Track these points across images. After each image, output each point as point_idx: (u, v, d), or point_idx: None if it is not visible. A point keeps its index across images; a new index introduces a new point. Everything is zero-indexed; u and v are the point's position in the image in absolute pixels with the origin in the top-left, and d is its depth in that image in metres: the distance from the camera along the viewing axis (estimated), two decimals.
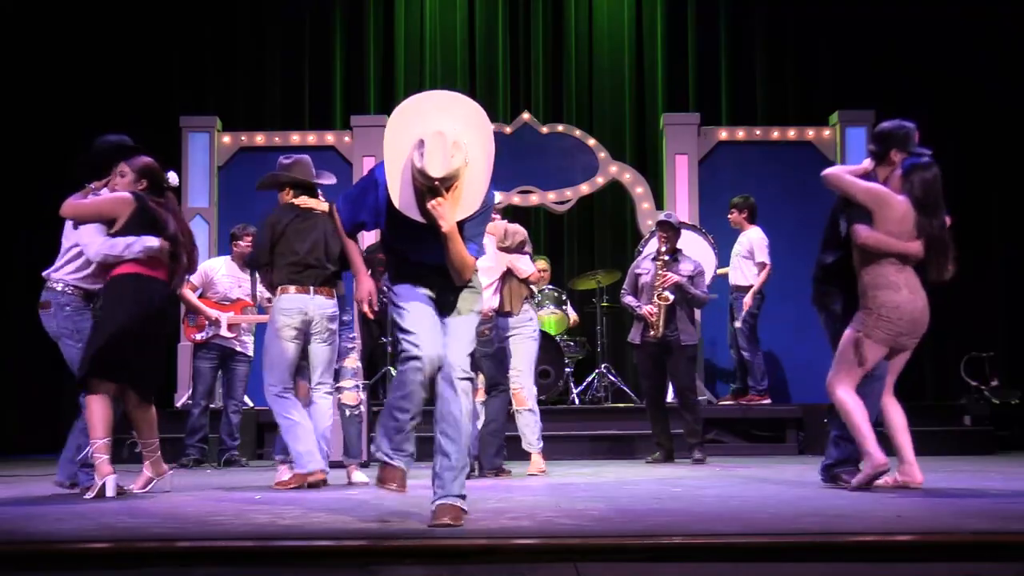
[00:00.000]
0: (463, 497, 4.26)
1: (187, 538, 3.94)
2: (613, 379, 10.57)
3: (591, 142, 11.47)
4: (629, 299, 8.63)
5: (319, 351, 6.45)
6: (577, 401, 10.45)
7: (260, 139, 11.29)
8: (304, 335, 6.38)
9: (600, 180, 11.41)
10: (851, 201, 5.72)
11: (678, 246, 8.63)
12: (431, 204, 4.23)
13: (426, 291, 4.45)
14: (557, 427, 9.72)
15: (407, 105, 4.44)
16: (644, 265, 8.66)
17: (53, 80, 11.56)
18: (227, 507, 5.08)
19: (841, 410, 5.76)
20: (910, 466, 5.75)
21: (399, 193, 4.32)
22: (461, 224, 4.32)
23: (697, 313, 8.84)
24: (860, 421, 5.68)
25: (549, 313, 10.47)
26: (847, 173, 5.79)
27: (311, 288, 6.39)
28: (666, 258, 8.47)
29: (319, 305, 6.39)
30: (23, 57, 11.55)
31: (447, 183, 4.22)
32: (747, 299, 9.81)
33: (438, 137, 4.21)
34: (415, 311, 4.39)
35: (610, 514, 4.60)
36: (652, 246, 10.53)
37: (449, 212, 4.23)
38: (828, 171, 5.88)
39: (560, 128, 11.56)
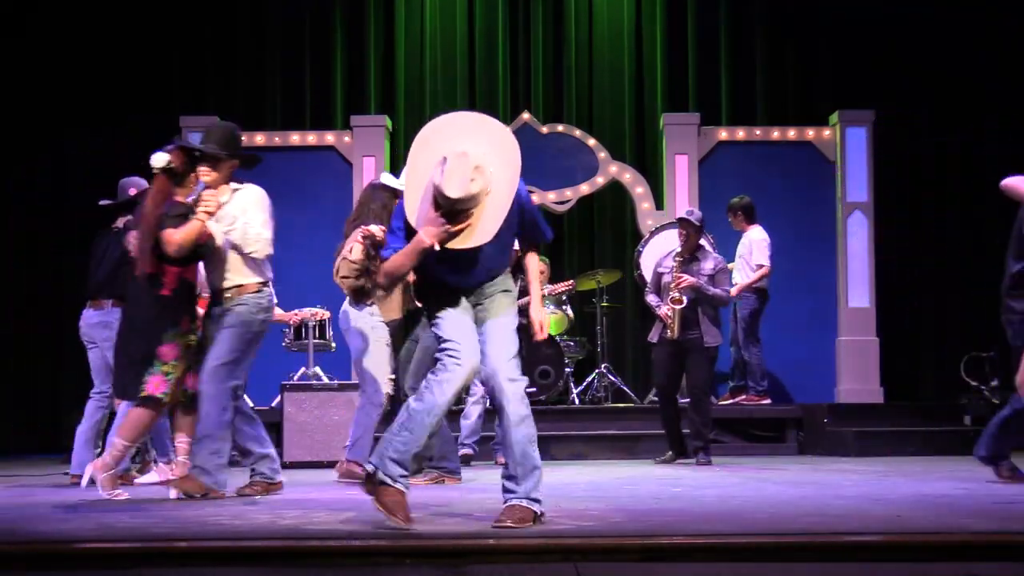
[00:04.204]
0: (535, 500, 4.21)
1: (187, 538, 3.94)
2: (613, 379, 10.56)
3: (591, 142, 11.46)
4: (651, 298, 8.48)
5: None
6: (577, 401, 10.44)
7: (260, 139, 11.27)
8: None
9: (600, 180, 11.41)
10: None
11: (701, 242, 8.44)
12: (441, 227, 4.15)
13: (459, 305, 4.40)
14: (557, 427, 9.72)
15: (438, 122, 4.36)
16: (666, 263, 8.44)
17: (53, 80, 11.55)
18: (227, 507, 5.08)
19: None
20: None
21: (416, 210, 4.23)
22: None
23: (721, 312, 8.65)
24: None
25: (549, 313, 10.45)
26: None
27: None
28: (680, 259, 8.28)
29: None
30: (23, 57, 11.54)
31: (464, 205, 4.13)
32: (732, 290, 9.62)
33: (461, 158, 4.11)
34: (452, 320, 4.35)
35: (610, 514, 4.60)
36: (656, 243, 10.54)
37: (460, 238, 4.16)
38: (1007, 181, 6.09)
39: (560, 128, 11.54)
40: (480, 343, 4.34)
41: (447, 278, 4.38)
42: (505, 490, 4.24)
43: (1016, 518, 4.48)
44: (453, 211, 4.15)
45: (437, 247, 4.19)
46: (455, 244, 4.19)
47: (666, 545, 3.71)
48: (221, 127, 5.95)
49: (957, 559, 3.57)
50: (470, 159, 4.12)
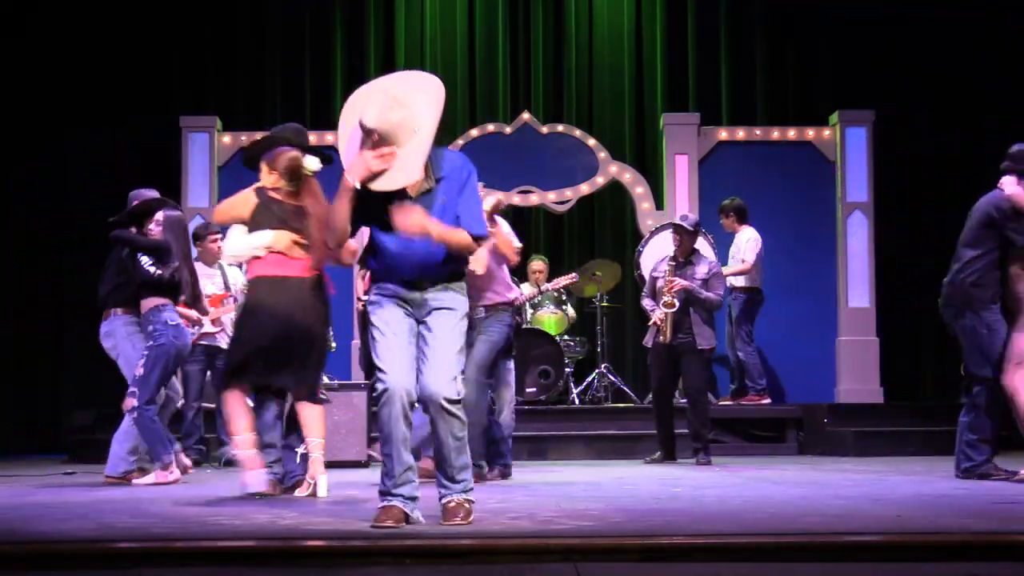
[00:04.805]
0: (468, 492, 4.37)
1: (187, 538, 3.95)
2: (613, 379, 10.56)
3: (591, 142, 11.46)
4: (647, 302, 8.54)
5: None
6: (577, 401, 10.44)
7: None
8: None
9: (600, 180, 11.40)
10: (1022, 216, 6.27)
11: (696, 247, 8.49)
12: (363, 155, 4.18)
13: (402, 306, 4.34)
14: (557, 427, 9.72)
15: (372, 81, 4.47)
16: (661, 268, 8.49)
17: (53, 80, 11.55)
18: (227, 507, 5.08)
19: (1014, 398, 6.13)
20: None
21: (345, 155, 4.32)
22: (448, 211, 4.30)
23: (717, 315, 8.67)
24: None
25: (549, 313, 10.45)
26: None
27: None
28: (674, 263, 8.32)
29: None
30: (23, 57, 11.54)
31: (385, 138, 4.17)
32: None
33: (379, 92, 4.23)
34: (388, 335, 4.31)
35: (610, 514, 4.60)
36: (656, 243, 10.53)
37: (384, 178, 4.18)
38: (1010, 194, 6.41)
39: (560, 128, 11.54)
40: (420, 361, 4.32)
41: (384, 264, 4.36)
42: (443, 486, 4.37)
43: (1016, 518, 4.48)
44: (375, 145, 4.18)
45: (358, 185, 4.22)
46: (381, 184, 4.21)
47: (666, 545, 3.71)
48: (296, 128, 5.87)
49: (957, 559, 3.57)
50: (388, 92, 4.21)
